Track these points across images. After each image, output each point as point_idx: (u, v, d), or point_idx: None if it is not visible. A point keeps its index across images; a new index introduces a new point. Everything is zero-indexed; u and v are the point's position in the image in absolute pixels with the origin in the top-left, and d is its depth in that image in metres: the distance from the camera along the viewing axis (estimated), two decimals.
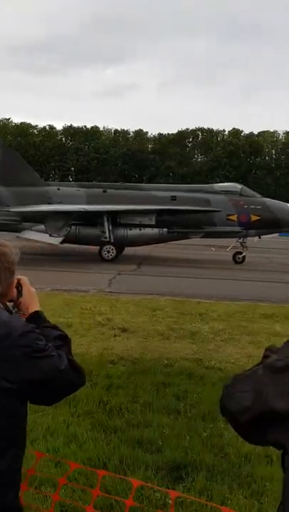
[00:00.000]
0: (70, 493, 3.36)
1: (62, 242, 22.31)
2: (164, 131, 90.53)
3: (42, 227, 22.54)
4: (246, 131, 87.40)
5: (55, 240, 22.06)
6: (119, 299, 11.38)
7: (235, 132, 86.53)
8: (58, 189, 24.21)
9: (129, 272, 17.74)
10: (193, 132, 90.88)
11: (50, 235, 21.54)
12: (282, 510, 1.22)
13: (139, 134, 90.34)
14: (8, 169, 23.70)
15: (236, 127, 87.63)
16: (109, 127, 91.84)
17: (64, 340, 1.83)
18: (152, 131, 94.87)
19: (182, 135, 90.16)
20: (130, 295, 12.15)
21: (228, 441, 4.35)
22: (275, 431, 1.23)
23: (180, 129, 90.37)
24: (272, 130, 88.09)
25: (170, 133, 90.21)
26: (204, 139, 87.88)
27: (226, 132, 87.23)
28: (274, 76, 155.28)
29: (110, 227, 21.65)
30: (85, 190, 24.20)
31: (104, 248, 21.44)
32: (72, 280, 14.27)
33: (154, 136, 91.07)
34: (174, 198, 23.04)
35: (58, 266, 18.50)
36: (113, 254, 21.41)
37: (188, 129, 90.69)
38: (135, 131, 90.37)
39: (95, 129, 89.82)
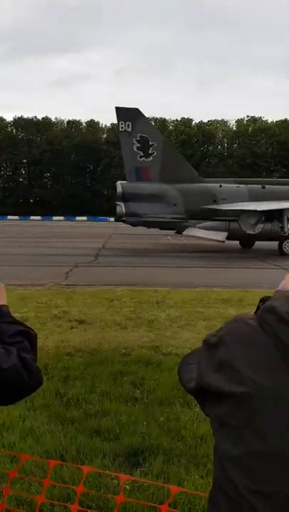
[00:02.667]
0: (26, 486, 3.33)
1: (228, 239, 23.16)
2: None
3: (207, 224, 23.25)
4: (201, 120, 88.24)
5: (221, 236, 22.98)
6: (76, 291, 11.30)
7: (187, 121, 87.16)
8: (220, 186, 24.17)
9: (86, 263, 17.64)
10: None
11: (246, 231, 22.01)
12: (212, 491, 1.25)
13: (92, 124, 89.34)
14: (170, 166, 23.82)
15: (188, 116, 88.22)
16: (62, 118, 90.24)
17: (25, 336, 1.66)
18: (105, 121, 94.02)
19: None
20: (87, 287, 12.09)
21: (184, 424, 4.43)
22: (207, 404, 1.27)
23: None
24: (224, 119, 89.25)
25: None
26: (158, 129, 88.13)
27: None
28: (228, 66, 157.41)
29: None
30: (245, 186, 24.45)
31: (285, 242, 22.12)
32: (25, 275, 14.03)
33: (108, 127, 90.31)
34: None
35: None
36: None
37: None
38: (88, 121, 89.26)
39: (46, 120, 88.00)
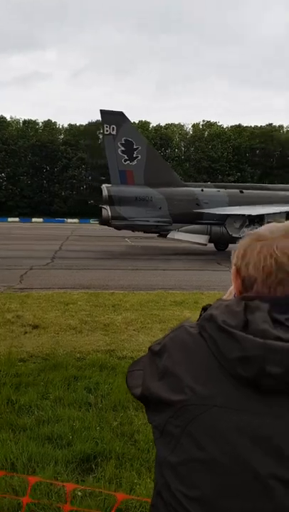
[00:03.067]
0: None
1: (209, 241, 23.64)
2: (75, 122, 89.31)
3: (189, 227, 23.39)
4: (159, 124, 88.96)
5: (204, 239, 23.52)
6: (31, 295, 11.10)
7: (144, 124, 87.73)
8: (202, 190, 24.91)
9: (42, 266, 17.37)
10: None
11: (232, 234, 22.35)
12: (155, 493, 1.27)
13: (49, 124, 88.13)
14: (153, 170, 24.15)
15: (146, 119, 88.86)
16: (18, 117, 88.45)
17: None
18: (63, 122, 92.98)
19: (93, 126, 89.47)
20: (42, 290, 11.91)
21: (137, 427, 4.45)
22: (150, 412, 1.29)
23: (91, 120, 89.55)
24: (181, 123, 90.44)
25: (81, 124, 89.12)
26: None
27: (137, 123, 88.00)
28: (185, 70, 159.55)
29: None
30: (224, 191, 25.19)
31: None
32: None
33: (65, 127, 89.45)
34: None
35: None
36: None
37: (98, 120, 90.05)
38: (45, 121, 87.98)
39: (1, 120, 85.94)
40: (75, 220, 67.93)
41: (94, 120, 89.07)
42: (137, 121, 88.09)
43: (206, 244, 24.06)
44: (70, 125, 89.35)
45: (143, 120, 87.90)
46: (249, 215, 22.54)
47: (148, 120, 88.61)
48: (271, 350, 1.11)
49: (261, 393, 1.13)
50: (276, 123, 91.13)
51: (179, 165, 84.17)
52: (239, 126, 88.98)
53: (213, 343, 1.19)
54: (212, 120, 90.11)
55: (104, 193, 23.67)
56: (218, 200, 24.31)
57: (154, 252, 24.53)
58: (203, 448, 1.14)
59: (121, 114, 24.59)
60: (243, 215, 22.71)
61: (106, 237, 31.74)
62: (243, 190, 25.52)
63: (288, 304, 1.21)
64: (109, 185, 24.16)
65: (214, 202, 24.00)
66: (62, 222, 66.67)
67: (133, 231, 25.01)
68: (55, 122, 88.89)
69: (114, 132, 24.14)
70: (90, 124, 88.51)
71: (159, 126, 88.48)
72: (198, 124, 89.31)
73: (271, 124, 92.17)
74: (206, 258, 22.37)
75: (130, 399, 4.99)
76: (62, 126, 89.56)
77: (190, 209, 23.35)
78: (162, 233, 24.44)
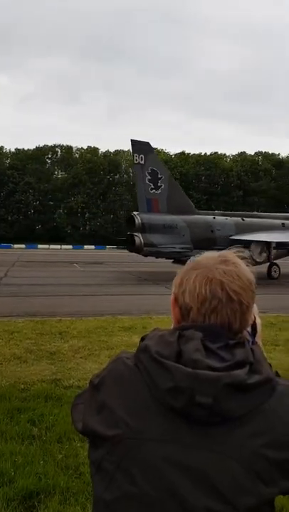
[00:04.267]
0: None
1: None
2: (22, 147, 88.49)
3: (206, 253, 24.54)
4: (108, 150, 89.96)
5: None
6: None
7: (93, 150, 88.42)
8: (214, 218, 26.87)
9: None
10: (52, 148, 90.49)
11: (256, 259, 23.92)
12: None
13: None
14: (174, 198, 25.81)
15: (95, 146, 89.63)
16: None
17: None
18: (9, 146, 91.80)
19: (41, 151, 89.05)
20: None
21: (83, 459, 4.33)
22: (89, 447, 1.27)
23: (38, 145, 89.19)
24: (129, 150, 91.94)
25: (28, 148, 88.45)
26: (63, 156, 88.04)
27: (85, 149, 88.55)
28: (133, 98, 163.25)
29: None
30: (231, 219, 27.19)
31: (274, 268, 25.10)
32: None
33: (12, 152, 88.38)
34: (283, 224, 28.13)
35: None
36: (278, 272, 25.20)
37: (46, 145, 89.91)
38: None
39: None
40: (22, 246, 66.57)
41: (41, 145, 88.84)
42: (85, 147, 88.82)
43: None
44: (16, 149, 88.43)
45: (92, 146, 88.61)
46: (270, 242, 25.09)
47: (97, 146, 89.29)
48: (201, 380, 1.12)
49: (193, 424, 1.13)
50: (220, 151, 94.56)
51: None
52: (183, 153, 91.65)
53: (147, 375, 1.19)
54: (158, 148, 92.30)
55: (137, 220, 24.35)
56: (228, 227, 26.18)
57: (103, 277, 24.42)
58: (136, 483, 1.13)
59: (148, 145, 26.07)
60: (266, 242, 25.07)
61: (54, 263, 31.26)
62: (244, 218, 27.81)
63: (221, 333, 1.24)
64: (141, 213, 24.99)
65: (225, 229, 25.92)
66: (9, 247, 65.05)
67: (156, 257, 25.60)
68: (1, 147, 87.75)
69: (142, 162, 25.43)
70: (38, 149, 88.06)
71: (108, 152, 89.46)
72: None
73: (216, 152, 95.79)
74: (156, 281, 22.55)
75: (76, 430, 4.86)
76: (9, 150, 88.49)
77: (207, 235, 25.12)
78: (181, 259, 24.72)
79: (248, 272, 1.31)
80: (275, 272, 25.01)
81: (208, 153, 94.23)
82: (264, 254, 25.03)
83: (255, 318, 1.50)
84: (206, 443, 1.12)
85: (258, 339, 1.48)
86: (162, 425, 1.15)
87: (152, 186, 25.38)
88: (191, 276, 1.30)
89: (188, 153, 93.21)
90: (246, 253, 1.42)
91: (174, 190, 26.17)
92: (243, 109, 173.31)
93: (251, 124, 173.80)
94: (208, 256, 1.36)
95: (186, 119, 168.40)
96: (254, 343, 1.46)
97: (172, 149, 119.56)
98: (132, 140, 25.53)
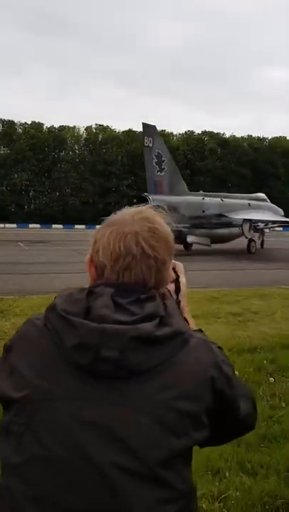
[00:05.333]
0: None
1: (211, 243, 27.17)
2: None
3: (197, 231, 26.49)
4: (52, 125, 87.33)
5: (208, 241, 26.93)
6: None
7: (37, 125, 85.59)
8: (203, 199, 28.46)
9: None
10: None
11: (247, 236, 27.10)
12: None
13: None
14: (174, 180, 27.78)
15: (39, 121, 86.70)
16: None
17: None
18: None
19: None
20: None
21: None
22: (3, 413, 1.21)
23: None
24: (75, 125, 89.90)
25: None
26: (5, 131, 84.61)
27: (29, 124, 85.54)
28: (79, 74, 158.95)
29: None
30: (213, 199, 29.01)
31: (251, 244, 27.34)
32: None
33: None
34: (249, 204, 30.58)
35: None
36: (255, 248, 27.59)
37: None
38: None
39: None
40: None
41: None
42: (29, 122, 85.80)
43: (210, 245, 27.32)
44: None
45: (36, 121, 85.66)
46: (258, 220, 27.79)
47: (41, 121, 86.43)
48: (106, 334, 1.08)
49: (100, 380, 1.10)
50: (167, 130, 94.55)
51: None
52: (130, 130, 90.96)
53: (55, 333, 1.15)
54: (105, 124, 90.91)
55: (151, 201, 24.71)
56: (213, 207, 27.97)
57: (48, 255, 23.99)
58: (45, 444, 1.09)
59: (154, 128, 27.51)
60: (252, 219, 27.50)
61: None
62: (223, 199, 29.66)
63: (133, 289, 1.20)
64: (153, 195, 26.02)
65: (211, 209, 27.70)
66: None
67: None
68: None
69: (151, 144, 26.78)
70: None
71: (53, 128, 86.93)
72: (90, 127, 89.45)
73: (164, 130, 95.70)
74: None
75: None
76: None
77: (199, 215, 26.94)
78: (185, 243, 26.50)
79: (165, 227, 1.27)
80: (252, 247, 27.65)
81: None
82: (252, 232, 27.59)
83: (179, 276, 1.49)
84: (114, 398, 1.09)
85: (183, 298, 1.47)
86: (70, 383, 1.11)
87: (158, 168, 26.85)
88: (105, 234, 1.25)
89: (136, 131, 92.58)
90: (172, 218, 1.38)
91: (174, 171, 27.97)
92: (190, 88, 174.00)
93: (198, 103, 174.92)
94: (124, 212, 1.31)
95: (130, 97, 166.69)
96: (178, 302, 1.44)
97: (118, 126, 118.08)
98: (143, 123, 26.73)
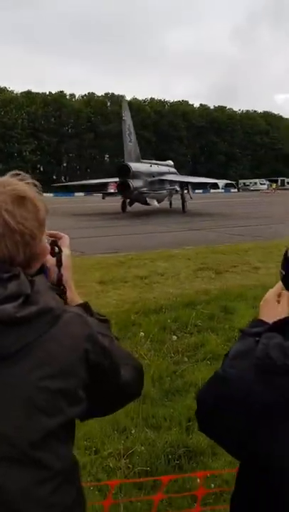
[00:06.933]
0: None
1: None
2: None
3: (153, 193, 30.46)
4: None
5: (155, 202, 30.67)
6: None
7: None
8: (151, 166, 32.89)
9: None
10: None
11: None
12: None
13: None
14: (135, 148, 32.68)
15: None
16: None
17: None
18: None
19: None
20: None
21: None
22: None
23: None
24: None
25: None
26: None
27: None
28: None
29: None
30: (154, 166, 33.41)
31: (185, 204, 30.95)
32: None
33: None
34: (169, 170, 35.63)
35: None
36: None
37: None
38: None
39: None
40: None
41: None
42: None
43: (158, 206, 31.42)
44: None
45: None
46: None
47: None
48: None
49: None
50: (67, 91, 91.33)
51: None
52: (30, 92, 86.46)
53: None
54: (1, 85, 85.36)
55: (132, 169, 29.28)
56: (158, 172, 32.40)
57: None
58: None
59: (126, 102, 33.59)
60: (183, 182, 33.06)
61: None
62: (152, 165, 33.63)
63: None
64: (131, 162, 30.26)
65: (156, 174, 31.90)
66: None
67: (131, 200, 30.23)
68: None
69: (126, 118, 31.80)
70: None
71: None
72: None
73: (62, 91, 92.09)
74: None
75: None
76: None
77: (153, 180, 30.88)
78: (146, 203, 30.23)
79: (33, 198, 1.19)
80: (186, 206, 31.07)
81: (54, 93, 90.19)
82: (189, 192, 33.11)
83: (61, 250, 1.44)
84: None
85: (66, 272, 1.41)
86: None
87: (129, 139, 31.71)
88: None
89: (36, 93, 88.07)
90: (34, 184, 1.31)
91: (136, 141, 32.57)
92: (93, 49, 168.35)
93: (99, 63, 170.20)
94: None
95: (28, 56, 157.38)
96: (60, 275, 1.40)
97: (16, 87, 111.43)
98: (123, 98, 33.74)
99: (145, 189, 29.65)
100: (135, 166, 30.12)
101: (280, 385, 1.11)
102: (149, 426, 4.05)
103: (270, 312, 1.42)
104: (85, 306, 1.30)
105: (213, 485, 3.10)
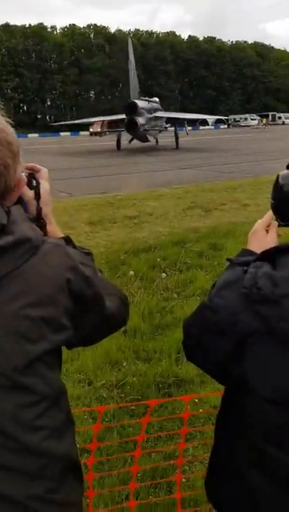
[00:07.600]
0: None
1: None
2: None
3: (153, 130, 32.52)
4: None
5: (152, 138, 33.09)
6: None
7: None
8: (148, 103, 33.20)
9: None
10: None
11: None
12: None
13: None
14: (136, 86, 34.11)
15: None
16: None
17: None
18: None
19: None
20: None
21: None
22: None
23: None
24: None
25: None
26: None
27: None
28: None
29: None
30: (151, 102, 33.96)
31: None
32: None
33: None
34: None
35: None
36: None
37: None
38: None
39: None
40: None
41: None
42: None
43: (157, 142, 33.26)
44: None
45: None
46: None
47: None
48: None
49: None
50: (47, 23, 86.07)
51: None
52: (8, 25, 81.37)
53: None
54: None
55: (138, 106, 30.57)
56: (154, 109, 33.28)
57: None
58: None
59: (131, 42, 35.37)
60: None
61: None
62: (149, 101, 34.54)
63: None
64: (138, 100, 31.77)
65: (153, 110, 32.86)
66: None
67: (140, 136, 31.16)
68: None
69: (131, 59, 33.87)
70: None
71: None
72: None
73: (42, 23, 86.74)
74: None
75: None
76: None
77: (154, 117, 32.18)
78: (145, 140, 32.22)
79: (4, 127, 1.14)
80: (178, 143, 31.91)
81: (33, 25, 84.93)
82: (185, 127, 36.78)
83: (39, 182, 1.40)
84: None
85: (45, 206, 1.38)
86: None
87: (133, 77, 33.33)
88: None
89: (14, 25, 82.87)
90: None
91: (137, 78, 34.37)
92: None
93: None
94: None
95: None
96: (39, 209, 1.38)
97: None
98: (131, 39, 35.61)
99: (147, 126, 30.99)
100: (140, 103, 31.39)
101: (267, 314, 1.12)
102: (140, 358, 4.20)
103: (259, 242, 1.43)
104: (67, 239, 1.28)
105: (201, 410, 3.27)
